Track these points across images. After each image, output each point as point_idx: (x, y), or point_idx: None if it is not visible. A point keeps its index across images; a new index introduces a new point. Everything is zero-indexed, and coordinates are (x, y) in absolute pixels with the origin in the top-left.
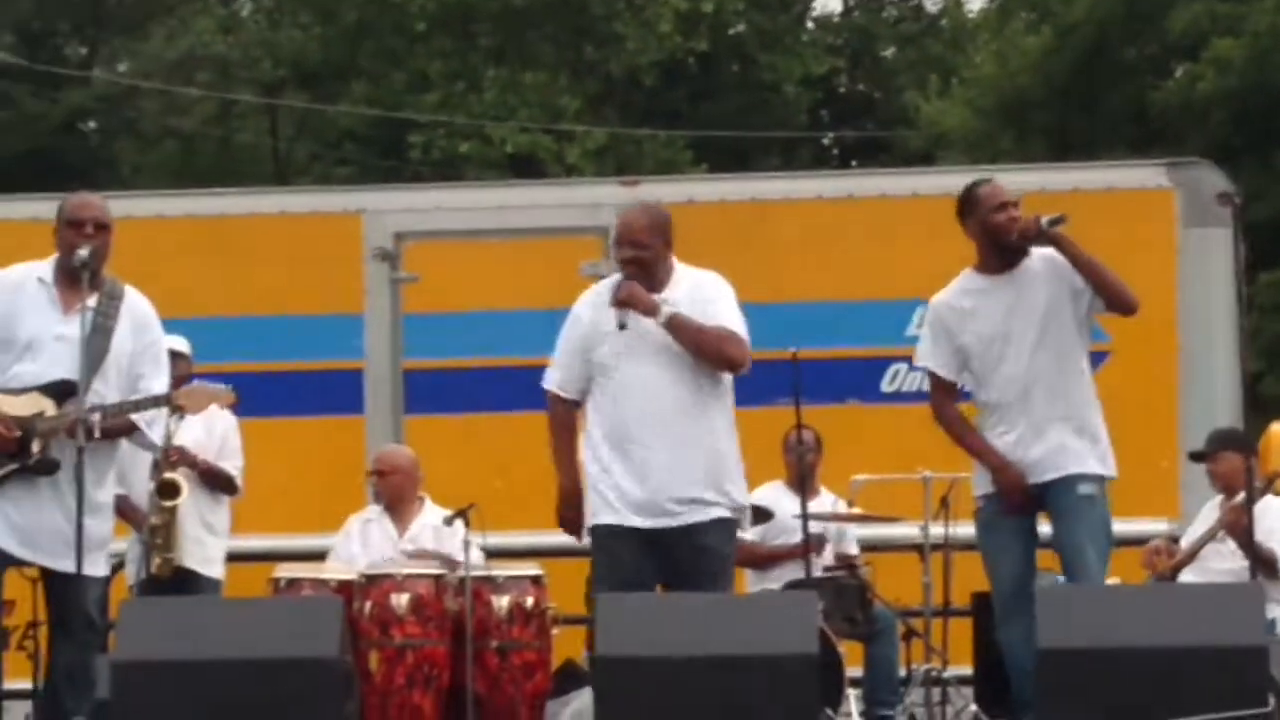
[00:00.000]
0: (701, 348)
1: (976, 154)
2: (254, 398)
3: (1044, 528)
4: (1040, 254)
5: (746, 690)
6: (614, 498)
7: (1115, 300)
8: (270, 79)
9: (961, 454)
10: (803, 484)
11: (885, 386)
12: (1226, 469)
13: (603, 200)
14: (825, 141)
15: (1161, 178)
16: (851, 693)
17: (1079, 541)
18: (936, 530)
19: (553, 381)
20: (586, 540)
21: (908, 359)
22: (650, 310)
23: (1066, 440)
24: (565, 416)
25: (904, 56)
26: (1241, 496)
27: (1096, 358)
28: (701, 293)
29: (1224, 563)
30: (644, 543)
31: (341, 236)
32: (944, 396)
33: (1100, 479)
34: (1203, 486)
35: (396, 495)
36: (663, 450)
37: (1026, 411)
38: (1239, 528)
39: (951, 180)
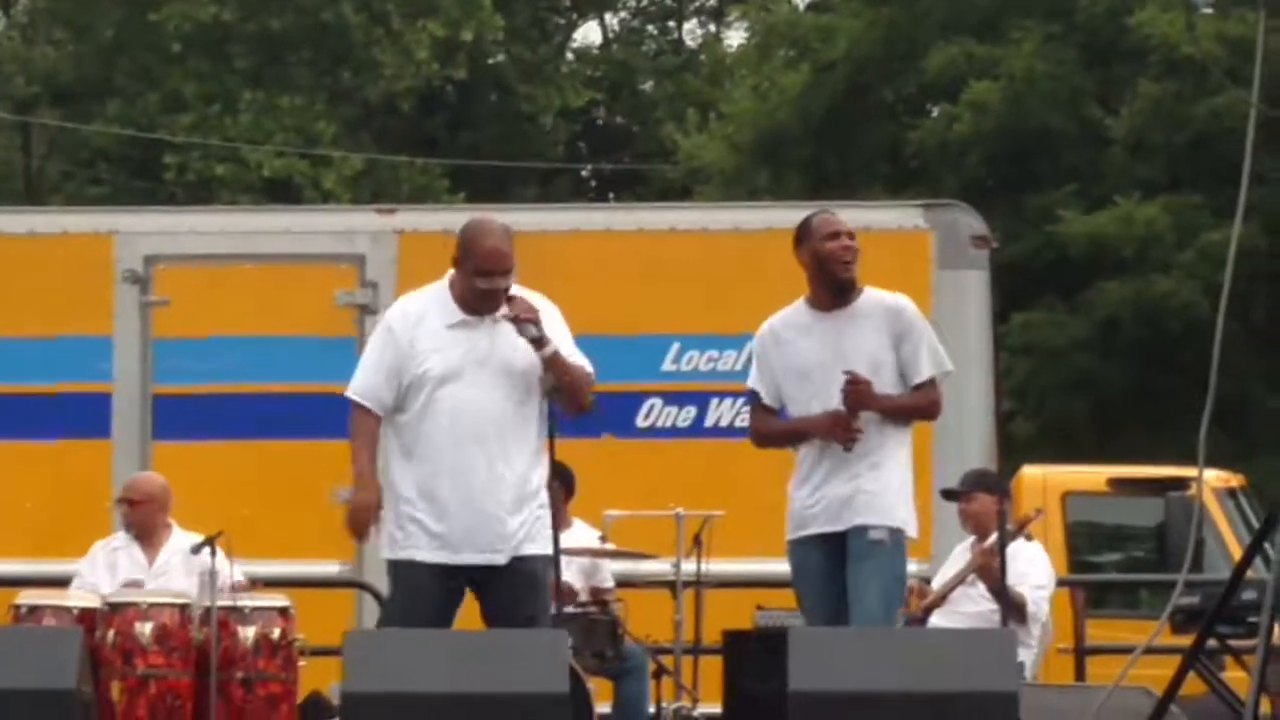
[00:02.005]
0: (573, 391)
1: (734, 189)
2: None
3: None
4: (873, 296)
5: None
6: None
7: None
8: (23, 95)
9: (716, 492)
10: (555, 519)
11: (640, 422)
12: (979, 510)
13: (358, 228)
14: (583, 173)
15: (918, 219)
16: None
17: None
18: (689, 567)
19: (357, 389)
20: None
21: (664, 394)
22: (540, 342)
23: (864, 487)
24: (370, 425)
25: (663, 90)
26: (994, 539)
27: None
28: (550, 322)
29: (973, 605)
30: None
31: (92, 258)
32: (763, 418)
33: (890, 529)
34: (954, 528)
35: (147, 523)
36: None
37: (833, 454)
38: (990, 571)
39: (709, 216)
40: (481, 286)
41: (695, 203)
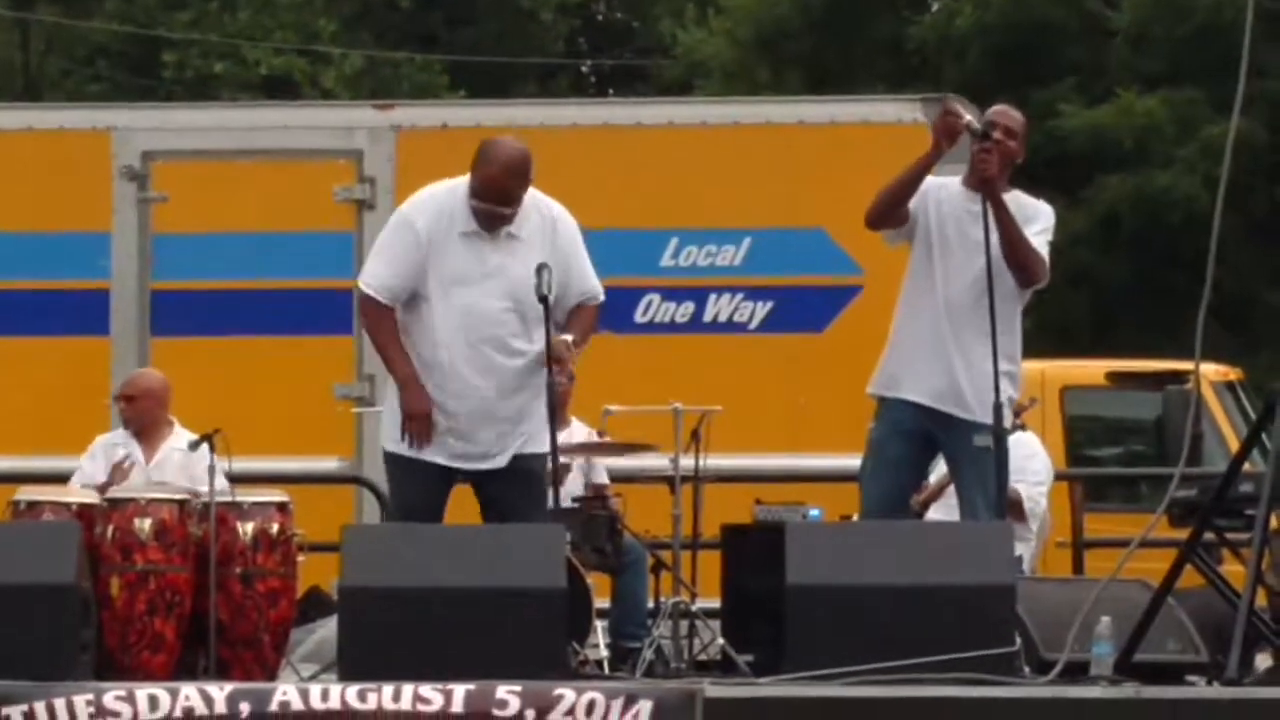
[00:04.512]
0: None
1: (733, 85)
2: None
3: None
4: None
5: (494, 622)
6: None
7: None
8: None
9: (714, 387)
10: (553, 414)
11: (639, 317)
12: None
13: (356, 123)
14: (583, 69)
15: (917, 113)
16: (599, 624)
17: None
18: (687, 462)
19: (373, 279)
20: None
21: (662, 289)
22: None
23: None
24: (391, 321)
25: None
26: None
27: (850, 291)
28: (561, 238)
29: None
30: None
31: (89, 154)
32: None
33: None
34: None
35: (146, 420)
36: None
37: None
38: None
39: (708, 110)
40: (475, 207)
41: (694, 97)
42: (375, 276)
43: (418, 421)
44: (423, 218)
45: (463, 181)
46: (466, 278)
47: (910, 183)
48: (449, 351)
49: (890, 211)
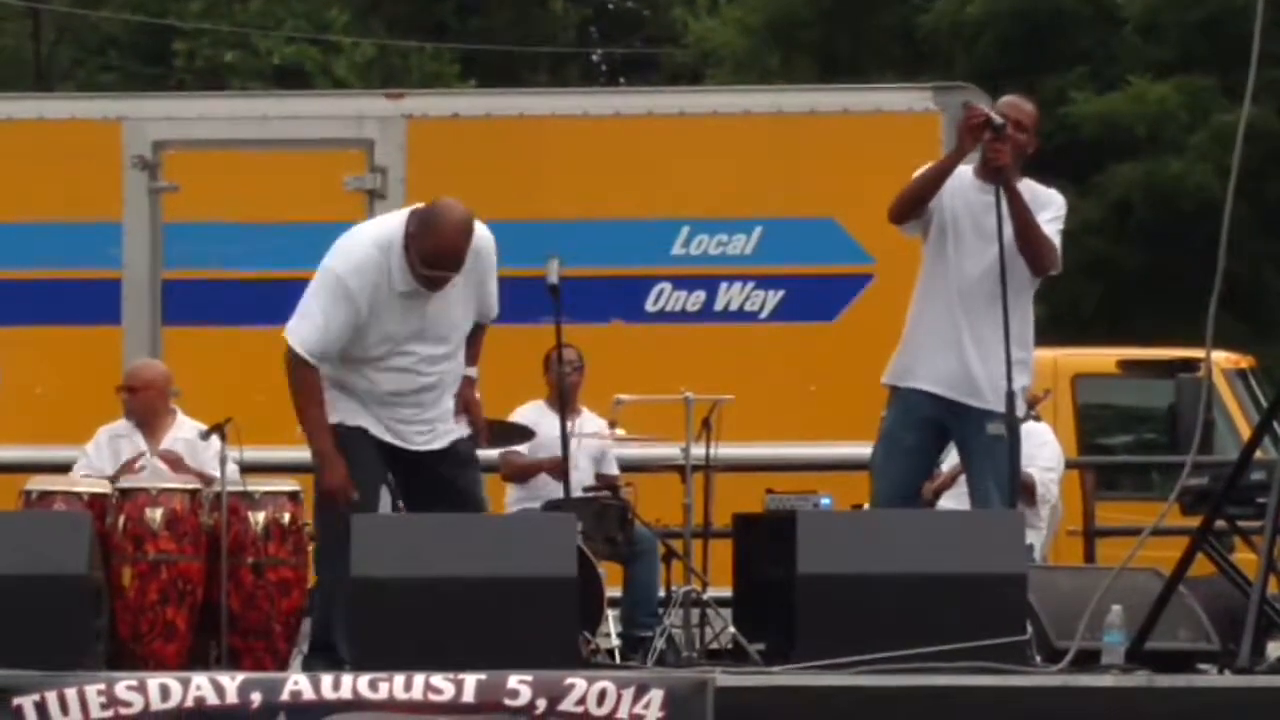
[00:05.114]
0: None
1: (744, 73)
2: (9, 305)
3: None
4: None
5: (505, 612)
6: None
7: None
8: None
9: (725, 376)
10: (563, 403)
11: (649, 306)
12: None
13: (367, 113)
14: (594, 58)
15: (929, 101)
16: (610, 614)
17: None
18: (698, 451)
19: (304, 339)
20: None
21: (673, 278)
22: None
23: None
24: (318, 384)
25: None
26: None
27: (861, 280)
28: (482, 263)
29: None
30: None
31: (100, 144)
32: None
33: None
34: None
35: (149, 410)
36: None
37: None
38: None
39: (719, 99)
40: (425, 274)
41: (706, 86)
42: (306, 340)
43: (339, 494)
44: (358, 282)
45: (393, 235)
46: (401, 336)
47: (936, 180)
48: (380, 400)
49: (916, 208)
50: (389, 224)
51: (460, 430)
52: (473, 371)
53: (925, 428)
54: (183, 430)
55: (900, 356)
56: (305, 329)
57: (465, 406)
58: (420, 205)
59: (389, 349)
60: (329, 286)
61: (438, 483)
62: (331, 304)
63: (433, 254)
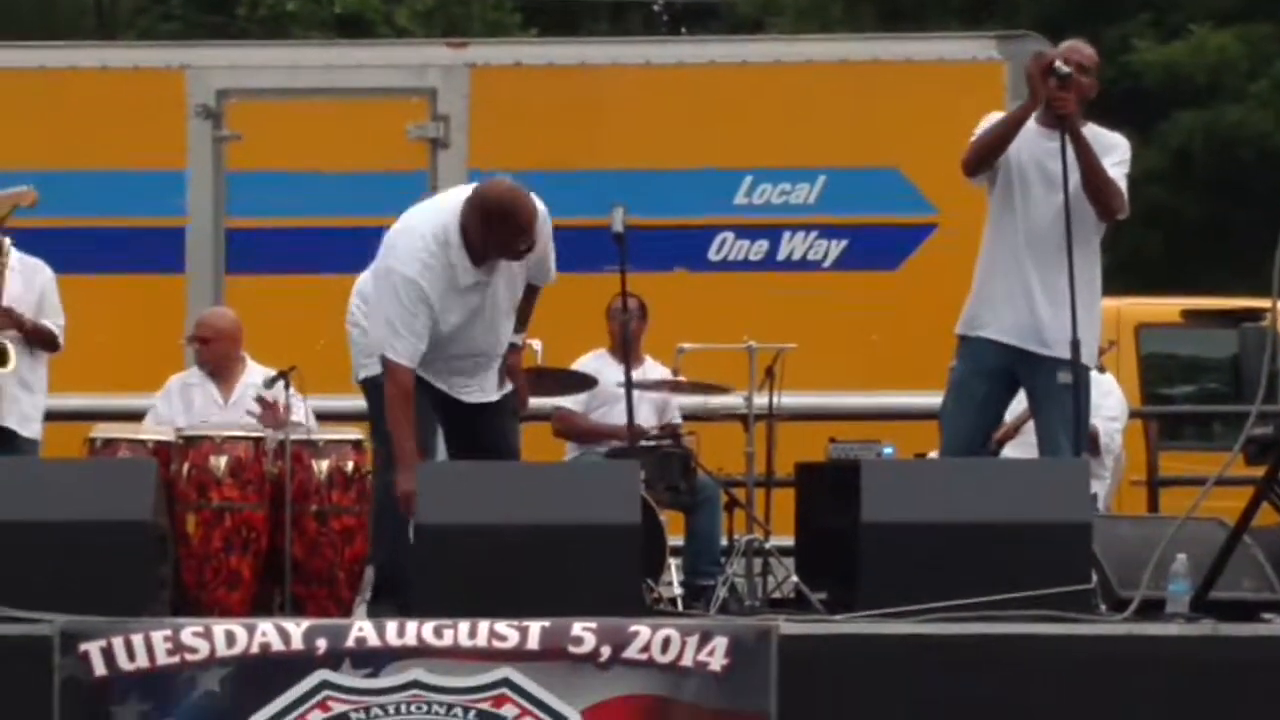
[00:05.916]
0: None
1: (806, 22)
2: (74, 253)
3: None
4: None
5: (567, 559)
6: None
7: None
8: None
9: (788, 325)
10: (626, 351)
11: (712, 255)
12: None
13: (429, 61)
14: (655, 7)
15: (992, 50)
16: (672, 562)
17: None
18: (761, 400)
19: (405, 355)
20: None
21: (736, 228)
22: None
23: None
24: (410, 385)
25: None
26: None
27: (924, 230)
28: (541, 237)
29: None
30: None
31: (164, 92)
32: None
33: None
34: None
35: (221, 360)
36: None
37: None
38: None
39: (782, 48)
40: (518, 249)
41: (768, 35)
42: (406, 355)
43: (405, 502)
44: (429, 281)
45: (448, 228)
46: (462, 323)
47: (1011, 131)
48: (431, 364)
49: (990, 160)
50: (440, 216)
51: (504, 389)
52: (519, 339)
53: (995, 378)
54: (253, 376)
55: (970, 306)
56: (401, 346)
57: (510, 374)
58: (468, 195)
59: (450, 333)
60: (405, 292)
61: (474, 431)
62: (412, 311)
63: (514, 238)
